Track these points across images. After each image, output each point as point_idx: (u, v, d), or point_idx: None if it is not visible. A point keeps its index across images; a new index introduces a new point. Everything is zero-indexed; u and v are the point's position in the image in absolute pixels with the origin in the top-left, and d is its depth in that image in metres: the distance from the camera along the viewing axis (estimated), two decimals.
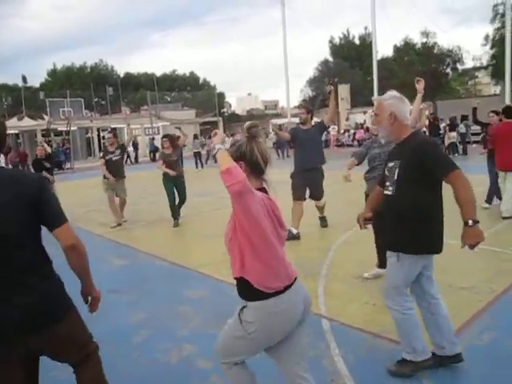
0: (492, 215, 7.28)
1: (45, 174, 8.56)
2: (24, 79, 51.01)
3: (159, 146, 13.47)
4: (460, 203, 2.58)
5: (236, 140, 2.26)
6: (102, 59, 58.05)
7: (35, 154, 9.82)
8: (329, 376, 3.05)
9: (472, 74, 43.16)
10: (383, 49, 51.26)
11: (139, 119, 35.60)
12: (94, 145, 35.67)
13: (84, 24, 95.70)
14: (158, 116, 36.34)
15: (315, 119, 7.86)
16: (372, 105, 5.61)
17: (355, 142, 29.16)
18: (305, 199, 6.89)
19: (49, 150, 10.86)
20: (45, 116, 33.53)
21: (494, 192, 7.91)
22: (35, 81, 61.36)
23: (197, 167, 20.69)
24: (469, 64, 38.95)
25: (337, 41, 50.63)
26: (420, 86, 4.69)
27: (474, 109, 8.74)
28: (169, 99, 49.71)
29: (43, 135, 30.47)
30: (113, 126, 29.16)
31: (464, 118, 21.42)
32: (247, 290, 2.10)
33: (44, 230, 2.04)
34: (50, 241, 2.10)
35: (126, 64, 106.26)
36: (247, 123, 2.20)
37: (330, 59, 49.07)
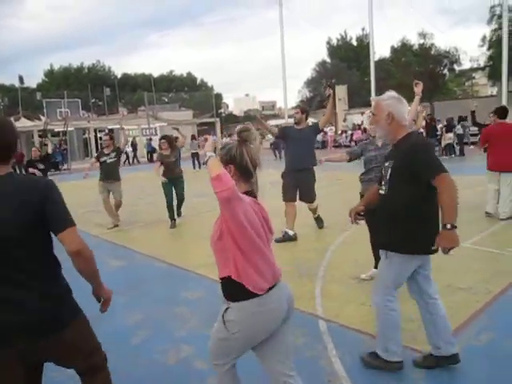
0: (490, 217, 7.30)
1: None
2: (21, 80, 50.86)
3: (156, 147, 13.47)
4: (442, 206, 2.62)
5: (226, 143, 2.28)
6: (99, 60, 58.21)
7: (31, 155, 9.81)
8: (326, 377, 3.05)
9: (469, 75, 43.38)
10: (380, 50, 51.37)
11: (136, 120, 35.56)
12: (91, 146, 35.60)
13: (81, 24, 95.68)
14: (156, 117, 36.32)
15: (312, 120, 7.86)
16: (369, 106, 5.62)
17: (352, 143, 29.15)
18: (296, 200, 6.77)
19: (49, 150, 10.81)
20: (41, 117, 33.48)
21: None
22: (32, 81, 61.17)
23: (194, 168, 20.68)
24: (466, 65, 39.21)
25: (334, 42, 50.78)
26: (418, 88, 4.71)
27: (473, 112, 8.79)
28: (166, 100, 49.74)
29: (40, 136, 30.36)
30: (110, 127, 29.14)
31: (461, 119, 21.45)
32: (233, 291, 2.12)
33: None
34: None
35: (123, 65, 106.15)
36: (238, 127, 2.22)
37: (328, 60, 49.21)
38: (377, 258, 4.54)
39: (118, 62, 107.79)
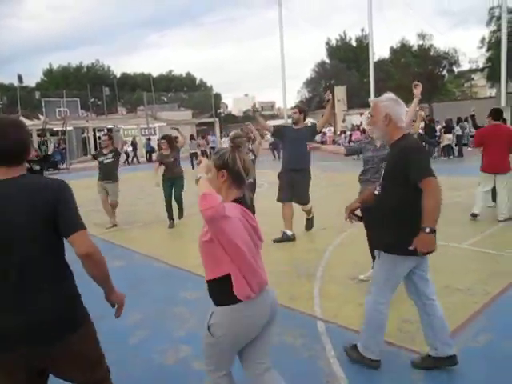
0: (488, 218, 7.31)
1: None
2: (20, 79, 50.73)
3: (155, 147, 13.45)
4: (424, 209, 2.65)
5: (220, 149, 2.36)
6: (98, 59, 58.05)
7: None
8: (324, 377, 3.05)
9: (468, 76, 43.40)
10: (380, 50, 51.50)
11: (135, 120, 35.50)
12: (90, 145, 35.55)
13: (80, 24, 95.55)
14: (155, 116, 36.26)
15: (311, 120, 7.84)
16: (368, 106, 5.62)
17: (351, 144, 29.20)
18: (291, 200, 6.70)
19: (49, 150, 10.63)
20: (40, 116, 33.38)
21: None
22: (31, 80, 61.13)
23: (193, 168, 20.65)
24: (465, 66, 39.18)
25: (333, 42, 50.70)
26: (417, 90, 4.71)
27: (473, 116, 8.82)
28: (165, 100, 49.65)
29: (39, 135, 30.32)
30: (109, 127, 29.13)
31: (460, 120, 21.48)
32: (218, 294, 2.17)
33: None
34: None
35: (122, 64, 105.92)
36: (232, 133, 2.29)
37: (327, 61, 49.14)
38: (374, 258, 4.55)
39: (117, 62, 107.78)
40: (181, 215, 8.54)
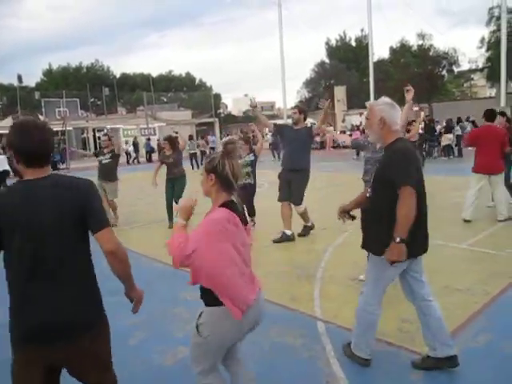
0: (488, 218, 7.31)
1: None
2: (19, 79, 50.80)
3: (155, 147, 13.45)
4: (397, 218, 2.70)
5: (212, 154, 2.45)
6: (98, 59, 57.95)
7: None
8: (324, 378, 3.05)
9: (468, 76, 43.40)
10: (379, 51, 51.54)
11: (135, 120, 35.48)
12: (90, 145, 35.56)
13: (80, 24, 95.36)
14: (154, 117, 36.25)
15: (311, 120, 7.85)
16: None
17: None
18: (289, 200, 6.68)
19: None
20: (40, 116, 33.31)
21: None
22: (31, 80, 61.14)
23: (193, 168, 20.65)
24: (464, 66, 39.14)
25: (333, 42, 50.69)
26: (409, 95, 4.60)
27: (473, 121, 8.83)
28: (165, 100, 49.65)
29: None
30: (109, 127, 29.12)
31: (459, 120, 21.48)
32: (208, 295, 2.28)
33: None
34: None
35: (122, 64, 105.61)
36: (224, 139, 2.32)
37: (327, 61, 49.11)
38: None
39: (116, 62, 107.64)
40: None
